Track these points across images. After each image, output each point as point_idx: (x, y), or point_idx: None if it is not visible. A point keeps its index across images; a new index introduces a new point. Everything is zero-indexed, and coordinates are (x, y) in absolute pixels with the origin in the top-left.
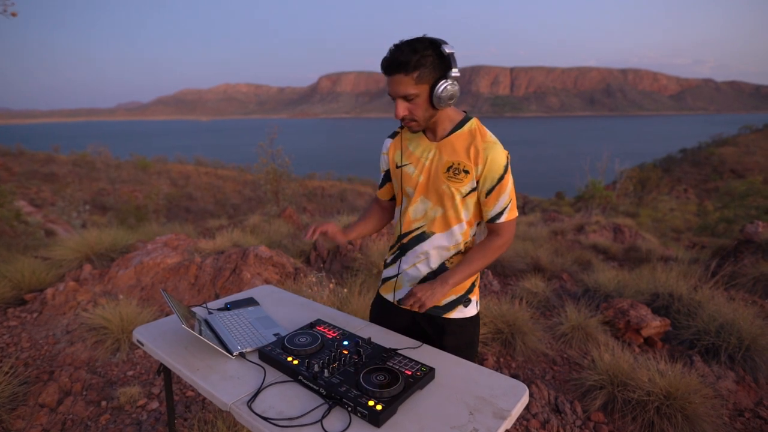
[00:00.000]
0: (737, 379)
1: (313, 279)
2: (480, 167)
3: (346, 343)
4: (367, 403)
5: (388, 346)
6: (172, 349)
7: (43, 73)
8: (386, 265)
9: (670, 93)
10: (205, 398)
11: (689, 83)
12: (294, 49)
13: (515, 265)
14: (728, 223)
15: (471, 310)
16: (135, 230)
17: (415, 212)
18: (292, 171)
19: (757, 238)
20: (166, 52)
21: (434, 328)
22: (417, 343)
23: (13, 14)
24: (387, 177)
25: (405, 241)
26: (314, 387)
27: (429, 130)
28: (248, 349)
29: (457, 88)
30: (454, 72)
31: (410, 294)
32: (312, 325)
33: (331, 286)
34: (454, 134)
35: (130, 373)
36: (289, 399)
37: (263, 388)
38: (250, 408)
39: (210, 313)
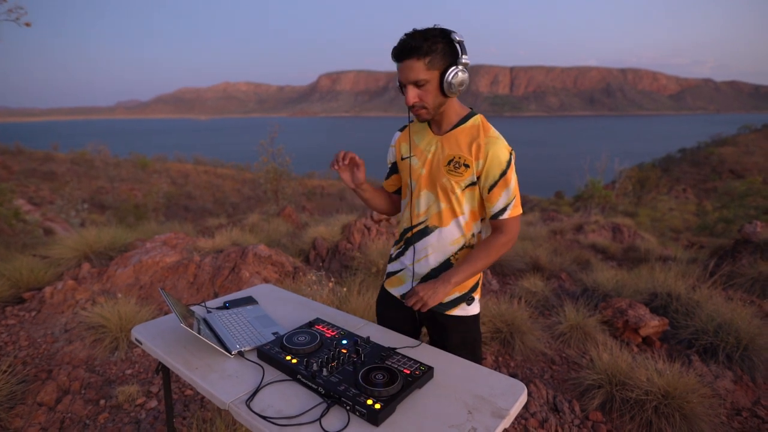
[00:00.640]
0: (735, 378)
1: (312, 278)
2: (481, 162)
3: (344, 342)
4: (365, 401)
5: (386, 345)
6: (171, 347)
7: (42, 71)
8: (391, 260)
9: (670, 93)
10: (203, 397)
11: (689, 83)
12: (294, 48)
13: (514, 264)
14: (727, 223)
15: (474, 309)
16: (134, 229)
17: (418, 206)
18: (292, 170)
19: (755, 238)
20: (166, 51)
21: (436, 326)
22: (416, 342)
23: (27, 24)
24: (393, 170)
25: (409, 235)
26: (313, 386)
27: (434, 124)
28: (247, 348)
29: (467, 75)
30: (465, 59)
31: (413, 293)
32: (311, 324)
33: (330, 285)
34: (458, 128)
35: (129, 371)
36: (287, 398)
37: (262, 387)
38: (248, 407)
39: (209, 311)
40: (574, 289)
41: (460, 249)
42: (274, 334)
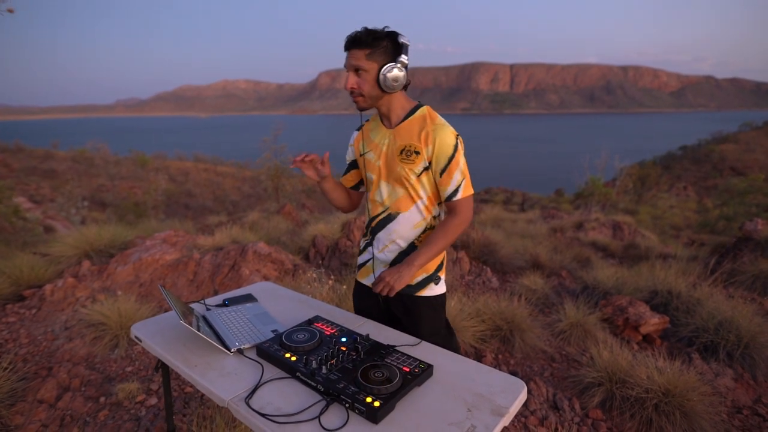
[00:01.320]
0: (735, 376)
1: (312, 275)
2: (430, 148)
3: (344, 339)
4: (365, 399)
5: (386, 343)
6: (170, 345)
7: (41, 69)
8: (360, 252)
9: (671, 90)
10: (203, 394)
11: (690, 80)
12: (293, 46)
13: (514, 262)
14: (728, 221)
15: (441, 288)
16: (134, 226)
17: (379, 195)
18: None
19: (756, 236)
20: (166, 49)
21: (406, 310)
22: (416, 340)
23: (10, 10)
24: (351, 166)
25: (374, 224)
26: (312, 383)
27: (385, 118)
28: (246, 346)
29: (403, 74)
30: (404, 59)
31: (379, 279)
32: (310, 322)
33: (329, 282)
34: (407, 120)
35: (129, 369)
36: (287, 395)
37: (261, 385)
38: (248, 404)
39: (208, 309)
40: (574, 286)
41: (423, 232)
42: (273, 331)
